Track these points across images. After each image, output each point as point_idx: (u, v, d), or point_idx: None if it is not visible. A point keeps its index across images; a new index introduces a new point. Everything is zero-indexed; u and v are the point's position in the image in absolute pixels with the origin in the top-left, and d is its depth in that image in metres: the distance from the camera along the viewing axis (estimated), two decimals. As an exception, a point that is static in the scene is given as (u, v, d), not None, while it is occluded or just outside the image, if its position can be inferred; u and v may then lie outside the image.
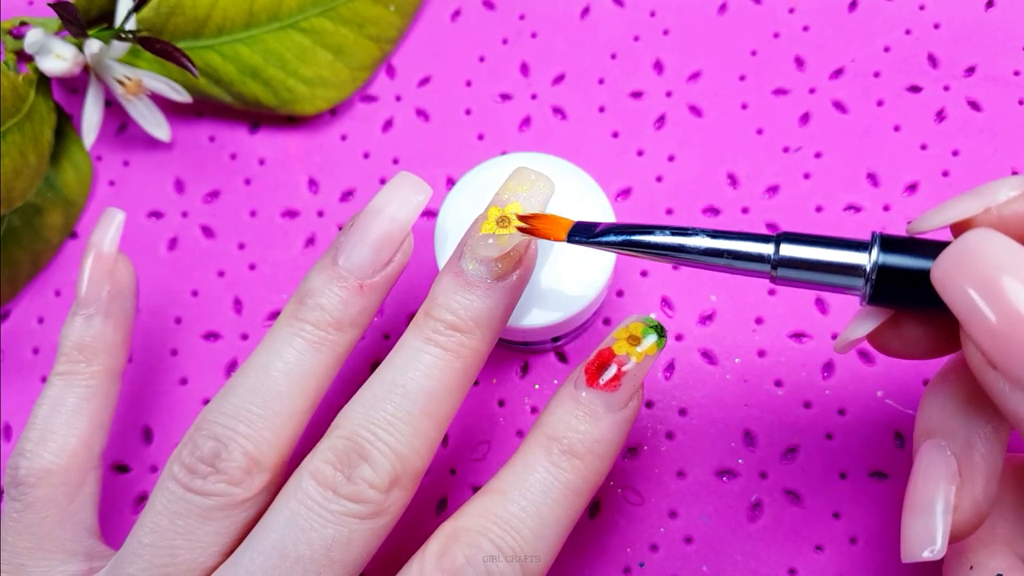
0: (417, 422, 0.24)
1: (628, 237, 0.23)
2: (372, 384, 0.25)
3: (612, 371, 0.25)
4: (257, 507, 0.25)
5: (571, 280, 0.28)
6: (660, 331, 0.25)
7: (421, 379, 0.24)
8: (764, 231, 0.33)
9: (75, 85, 0.36)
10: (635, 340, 0.25)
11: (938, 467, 0.22)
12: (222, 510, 0.24)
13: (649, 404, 0.32)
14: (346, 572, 0.24)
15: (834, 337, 0.32)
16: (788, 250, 0.21)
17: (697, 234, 0.22)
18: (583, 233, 0.23)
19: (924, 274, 0.20)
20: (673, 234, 0.22)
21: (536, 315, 0.28)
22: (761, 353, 0.32)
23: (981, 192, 0.21)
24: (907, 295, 0.20)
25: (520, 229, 0.24)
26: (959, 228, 0.21)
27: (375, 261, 0.26)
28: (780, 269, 0.21)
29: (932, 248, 0.20)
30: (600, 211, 0.28)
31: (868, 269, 0.20)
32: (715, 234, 0.22)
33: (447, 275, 0.25)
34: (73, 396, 0.27)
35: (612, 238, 0.23)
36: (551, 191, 0.26)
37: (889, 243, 0.20)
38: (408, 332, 0.25)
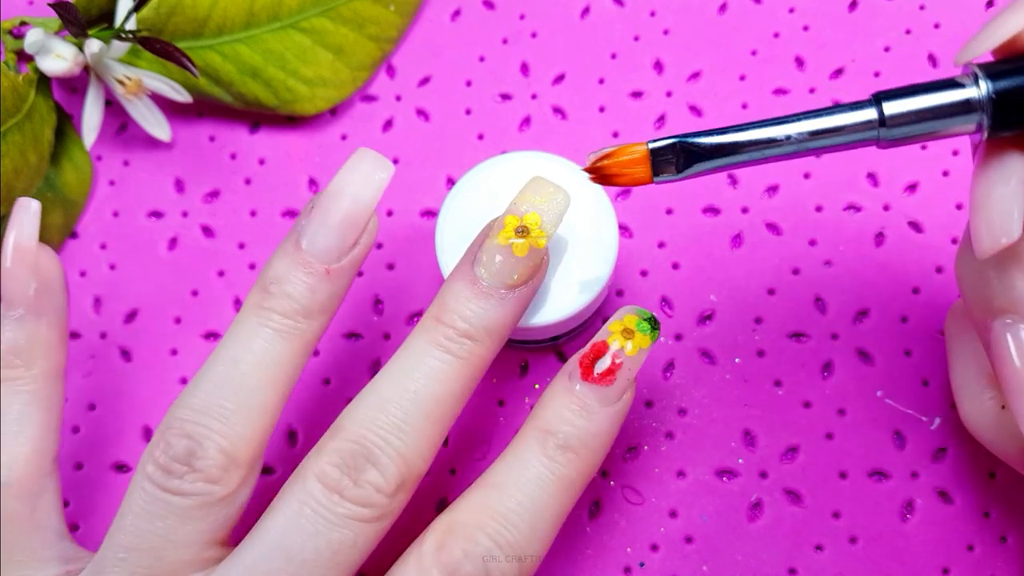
0: (424, 427, 0.24)
1: (722, 140, 0.22)
2: (378, 386, 0.24)
3: (607, 363, 0.25)
4: (236, 503, 0.24)
5: (571, 279, 0.28)
6: (653, 323, 0.25)
7: (431, 384, 0.24)
8: (764, 229, 0.33)
9: (75, 85, 0.36)
10: (629, 333, 0.25)
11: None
12: (202, 508, 0.24)
13: (649, 404, 0.32)
14: (349, 572, 0.24)
15: (834, 337, 0.32)
16: (891, 107, 0.20)
17: (791, 120, 0.21)
18: (667, 167, 0.23)
19: None
20: (770, 125, 0.21)
21: (536, 315, 0.28)
22: (761, 353, 0.32)
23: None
24: None
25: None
26: (1006, 49, 0.19)
27: (341, 245, 0.25)
28: (888, 129, 0.21)
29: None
30: (601, 210, 0.28)
31: (981, 99, 0.19)
32: (811, 114, 0.21)
33: (460, 281, 0.25)
34: (17, 403, 0.26)
35: (703, 163, 0.22)
36: (568, 203, 0.25)
37: (989, 69, 0.20)
38: (415, 335, 0.25)
